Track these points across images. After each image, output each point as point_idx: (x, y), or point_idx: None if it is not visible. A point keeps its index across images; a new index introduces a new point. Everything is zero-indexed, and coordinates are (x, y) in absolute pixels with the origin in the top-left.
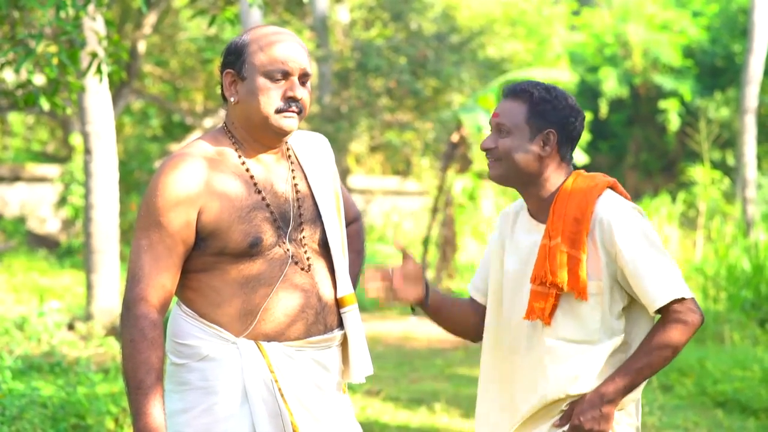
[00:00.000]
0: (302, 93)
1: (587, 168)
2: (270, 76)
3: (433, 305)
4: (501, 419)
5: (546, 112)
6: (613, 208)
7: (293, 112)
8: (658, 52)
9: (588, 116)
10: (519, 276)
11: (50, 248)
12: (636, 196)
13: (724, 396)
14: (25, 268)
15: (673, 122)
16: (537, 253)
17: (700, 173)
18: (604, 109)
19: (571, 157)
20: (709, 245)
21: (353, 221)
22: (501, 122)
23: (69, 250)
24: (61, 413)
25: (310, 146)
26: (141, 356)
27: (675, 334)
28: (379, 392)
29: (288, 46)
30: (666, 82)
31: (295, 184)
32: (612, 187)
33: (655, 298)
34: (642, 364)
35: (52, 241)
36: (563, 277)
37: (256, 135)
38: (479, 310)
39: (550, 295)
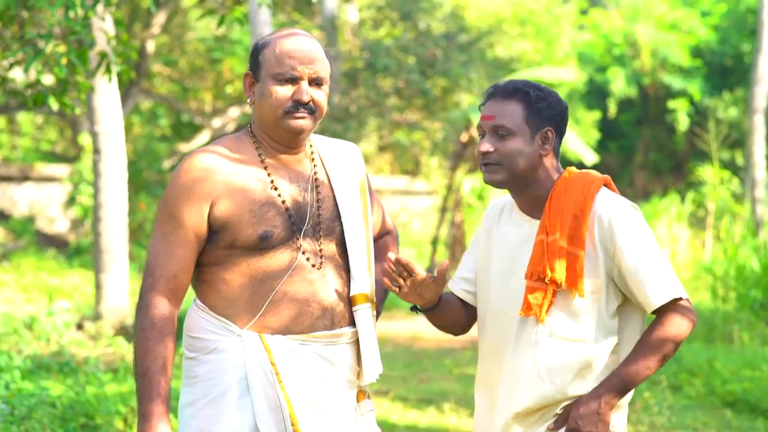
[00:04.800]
0: (312, 96)
1: (596, 168)
2: (278, 80)
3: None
4: (491, 419)
5: (542, 110)
6: (612, 206)
7: (302, 114)
8: (666, 52)
9: (597, 116)
10: (507, 270)
11: (59, 248)
12: (645, 196)
13: (733, 396)
14: (34, 267)
15: (682, 122)
16: (529, 248)
17: (709, 173)
18: (612, 108)
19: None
20: (718, 245)
21: (387, 233)
22: (499, 124)
23: (78, 250)
24: (70, 413)
25: (338, 152)
26: (148, 344)
27: (674, 333)
28: (388, 392)
29: (298, 52)
30: (675, 81)
31: (317, 185)
32: (606, 184)
33: (654, 297)
34: (641, 365)
35: (61, 240)
36: (562, 273)
37: (271, 134)
38: (463, 306)
39: (547, 290)
